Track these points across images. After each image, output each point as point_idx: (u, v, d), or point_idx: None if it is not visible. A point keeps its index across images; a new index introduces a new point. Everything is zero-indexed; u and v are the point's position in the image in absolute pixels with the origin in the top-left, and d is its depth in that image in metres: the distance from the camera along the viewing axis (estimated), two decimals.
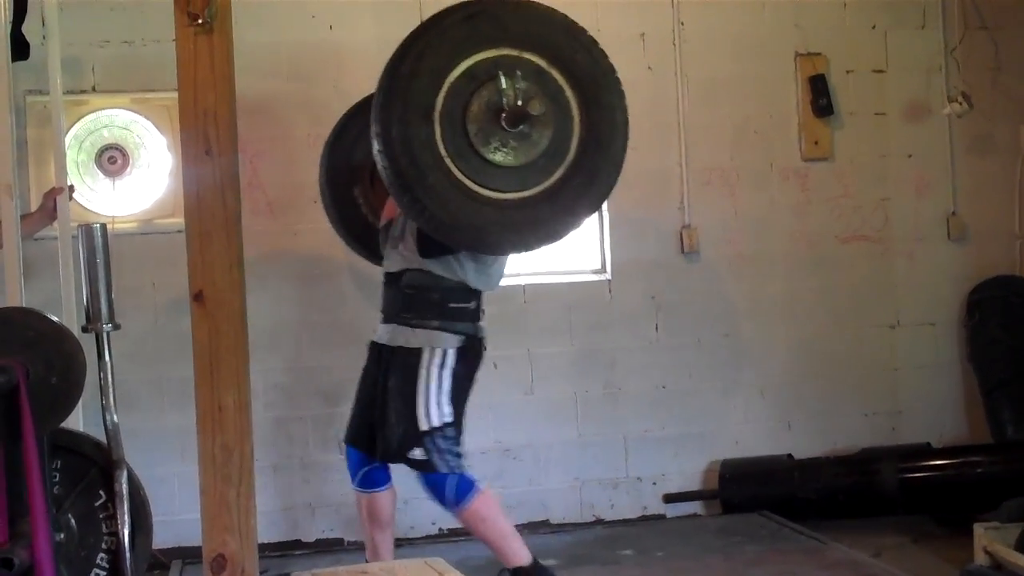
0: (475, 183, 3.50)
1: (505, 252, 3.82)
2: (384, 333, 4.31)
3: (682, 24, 6.00)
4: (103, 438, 3.17)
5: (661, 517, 6.00)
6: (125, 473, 3.06)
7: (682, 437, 6.03)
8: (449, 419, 4.14)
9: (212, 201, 3.05)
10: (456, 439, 4.18)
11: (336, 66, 5.73)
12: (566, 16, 3.77)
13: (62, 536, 3.02)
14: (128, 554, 3.07)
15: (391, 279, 4.30)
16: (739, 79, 6.06)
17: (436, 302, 4.12)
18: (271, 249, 5.62)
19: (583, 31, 3.77)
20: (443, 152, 3.48)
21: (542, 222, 3.57)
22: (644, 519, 5.99)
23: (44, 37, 4.74)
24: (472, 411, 5.73)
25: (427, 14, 5.59)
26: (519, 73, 3.57)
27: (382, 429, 4.20)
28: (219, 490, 2.99)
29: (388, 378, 4.22)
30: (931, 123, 6.26)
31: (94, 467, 3.09)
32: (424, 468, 4.13)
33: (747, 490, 5.94)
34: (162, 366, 5.42)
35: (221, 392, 3.00)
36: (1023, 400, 6.03)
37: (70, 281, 4.40)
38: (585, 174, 3.61)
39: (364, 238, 4.83)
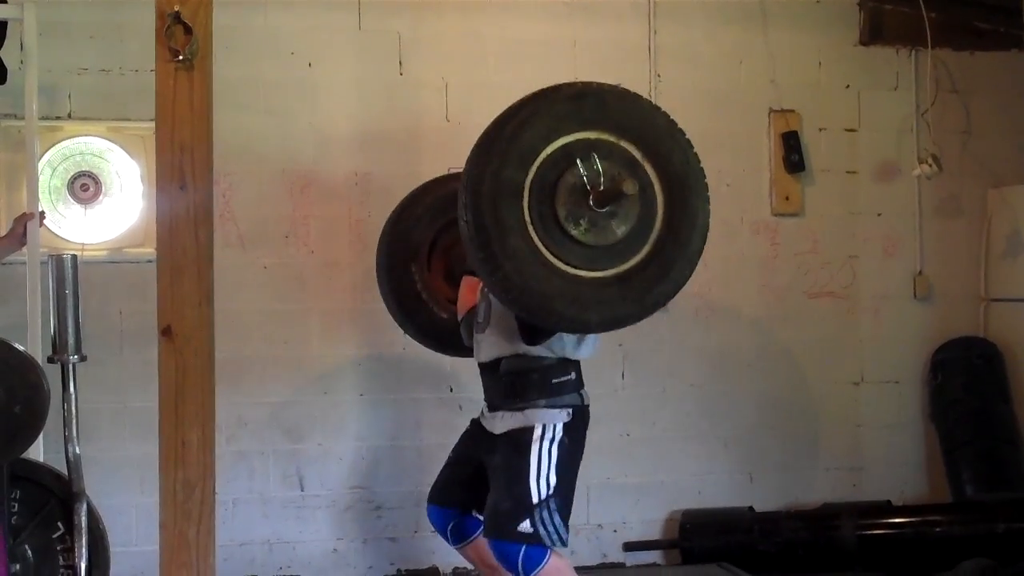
0: (552, 253, 3.53)
1: (566, 326, 3.80)
2: (493, 422, 4.24)
3: (658, 76, 6.05)
4: (64, 469, 3.15)
5: (620, 566, 5.99)
6: (85, 506, 3.04)
7: (644, 486, 6.03)
8: (553, 491, 4.03)
9: (185, 236, 3.06)
10: (559, 510, 4.06)
11: (312, 103, 5.74)
12: (668, 115, 3.81)
13: (18, 567, 3.00)
14: None
15: (487, 368, 4.27)
16: (713, 132, 6.06)
17: (537, 382, 4.10)
18: (240, 282, 5.60)
19: (682, 132, 3.81)
20: (527, 218, 3.50)
21: (607, 304, 3.59)
22: (604, 567, 5.97)
23: (22, 62, 4.74)
24: (436, 452, 5.79)
25: (406, 58, 5.75)
26: (614, 158, 3.62)
27: (491, 506, 4.13)
28: (179, 527, 2.98)
29: (495, 457, 4.17)
30: (901, 183, 6.32)
31: (53, 499, 3.07)
32: (532, 541, 3.99)
33: (707, 541, 5.94)
34: (125, 395, 5.40)
35: (185, 428, 2.99)
36: (983, 461, 6.08)
37: (37, 308, 4.38)
38: (658, 267, 3.64)
39: (425, 326, 4.86)
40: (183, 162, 3.06)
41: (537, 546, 3.97)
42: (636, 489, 6.02)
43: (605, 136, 3.62)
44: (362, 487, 5.75)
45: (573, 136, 3.58)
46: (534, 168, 3.51)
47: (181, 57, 3.04)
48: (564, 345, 4.11)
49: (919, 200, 6.36)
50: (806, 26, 6.26)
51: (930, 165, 5.98)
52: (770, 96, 6.21)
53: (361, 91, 5.79)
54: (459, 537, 4.41)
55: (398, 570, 5.76)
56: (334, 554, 5.73)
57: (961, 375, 6.23)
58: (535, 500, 4.00)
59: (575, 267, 3.55)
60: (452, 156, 5.27)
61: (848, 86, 6.31)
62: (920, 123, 6.29)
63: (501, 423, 4.18)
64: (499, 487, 4.13)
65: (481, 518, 4.28)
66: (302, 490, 5.71)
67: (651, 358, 6.06)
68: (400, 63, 5.80)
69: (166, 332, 3.02)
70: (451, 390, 5.78)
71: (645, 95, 5.88)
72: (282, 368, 5.72)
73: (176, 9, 3.05)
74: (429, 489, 4.47)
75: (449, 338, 4.67)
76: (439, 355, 5.65)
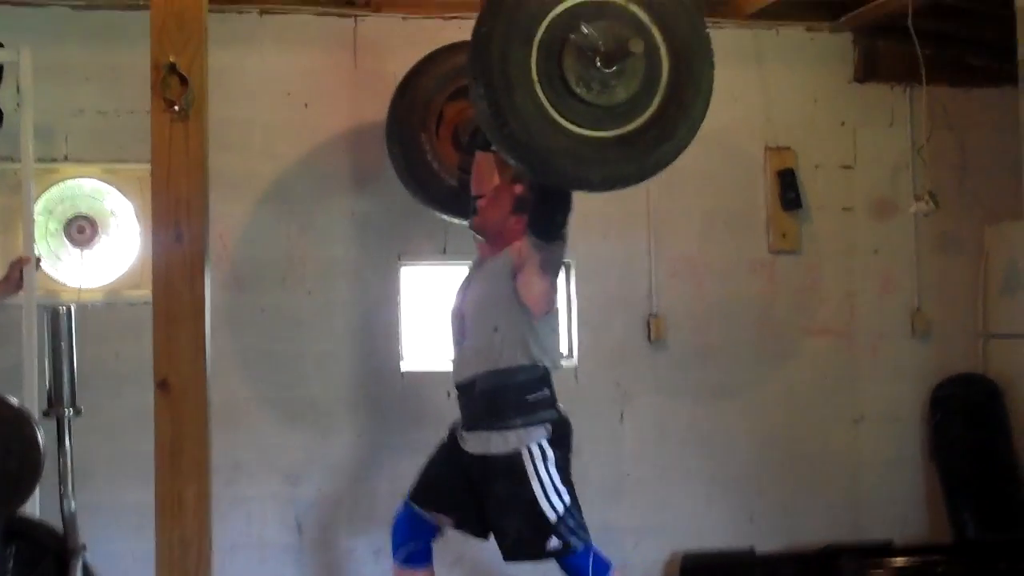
0: (556, 111, 3.55)
1: (566, 181, 3.80)
2: (472, 442, 4.36)
3: None
4: (60, 524, 3.12)
5: None
6: (81, 562, 3.00)
7: (643, 528, 5.98)
8: (568, 502, 4.21)
9: (180, 287, 3.05)
10: (578, 515, 4.26)
11: (309, 144, 5.74)
12: None
13: None
14: None
15: (464, 389, 4.41)
16: (709, 170, 6.09)
17: (513, 401, 4.24)
18: (237, 323, 5.59)
19: None
20: (534, 76, 3.53)
21: (610, 163, 3.62)
22: None
23: (18, 104, 4.73)
24: None
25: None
26: (622, 20, 3.62)
27: (506, 534, 4.28)
28: None
29: (494, 486, 4.29)
30: (897, 220, 6.31)
31: (49, 555, 3.03)
32: (564, 554, 4.21)
33: None
34: (122, 440, 5.32)
35: (181, 483, 2.97)
36: (984, 499, 6.05)
37: (33, 354, 4.37)
38: (660, 130, 3.65)
39: (435, 192, 5.16)
40: (179, 212, 3.06)
41: (598, 560, 4.24)
42: (635, 531, 5.97)
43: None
44: (361, 531, 5.70)
45: None
46: (542, 28, 3.52)
47: (177, 108, 3.04)
48: (537, 336, 4.26)
49: (916, 237, 6.35)
50: (801, 63, 6.28)
51: (927, 202, 5.95)
52: (765, 133, 6.21)
53: (357, 131, 5.78)
54: (419, 559, 4.50)
55: None
56: None
57: (961, 412, 6.20)
58: (553, 520, 4.16)
59: (579, 126, 3.57)
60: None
61: (843, 123, 6.32)
62: (916, 160, 6.27)
63: (481, 443, 4.30)
64: (514, 517, 4.25)
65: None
66: (300, 534, 5.67)
67: (649, 397, 6.03)
68: None
69: (162, 385, 3.00)
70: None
71: None
72: (279, 410, 5.68)
73: (172, 60, 3.04)
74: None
75: (458, 203, 4.82)
76: (438, 397, 5.67)
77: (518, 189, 4.42)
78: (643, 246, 6.05)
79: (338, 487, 5.71)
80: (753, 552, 5.97)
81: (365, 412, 5.75)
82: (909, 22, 5.48)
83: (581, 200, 5.71)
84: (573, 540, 4.18)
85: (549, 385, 4.33)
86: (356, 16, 5.80)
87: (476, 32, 3.59)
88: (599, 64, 3.55)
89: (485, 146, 4.43)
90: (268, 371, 5.67)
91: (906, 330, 6.33)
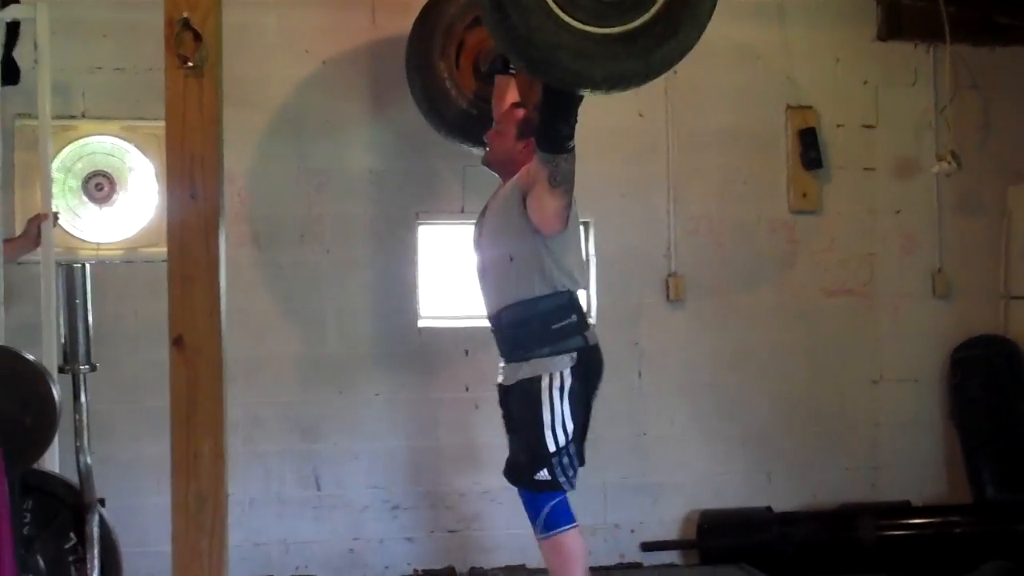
0: (558, 5, 3.47)
1: (568, 79, 3.75)
2: (504, 374, 4.41)
3: (674, 72, 5.92)
4: (76, 478, 3.15)
5: (638, 565, 5.96)
6: (97, 516, 3.03)
7: (661, 485, 5.99)
8: (571, 436, 4.22)
9: (195, 245, 3.03)
10: (578, 454, 4.27)
11: (327, 101, 5.72)
12: None
13: None
14: None
15: (493, 321, 4.44)
16: (729, 129, 6.06)
17: (538, 331, 4.23)
18: (254, 282, 5.60)
19: None
20: None
21: (613, 59, 3.52)
22: (621, 567, 5.94)
23: (35, 62, 4.71)
24: (452, 451, 5.78)
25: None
26: None
27: (514, 456, 4.35)
28: (191, 539, 2.96)
29: (512, 410, 4.37)
30: (919, 180, 6.26)
31: (65, 509, 3.06)
32: (549, 488, 4.20)
33: (725, 541, 5.91)
34: (141, 395, 5.37)
35: (197, 439, 2.97)
36: (1004, 460, 6.02)
37: (51, 311, 4.36)
38: (666, 26, 3.53)
39: (455, 120, 5.14)
40: (193, 170, 3.03)
41: (562, 509, 4.19)
42: (653, 489, 5.99)
43: None
44: (378, 487, 5.74)
45: None
46: None
47: (191, 64, 3.02)
48: (554, 257, 4.22)
49: (938, 197, 6.30)
50: (823, 22, 6.21)
51: (949, 162, 5.91)
52: (787, 93, 6.16)
53: (375, 89, 5.76)
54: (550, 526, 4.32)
55: (415, 570, 5.74)
56: (350, 554, 5.71)
57: (981, 374, 6.17)
58: (552, 449, 4.17)
59: (582, 21, 3.49)
60: (467, 154, 5.27)
61: (866, 82, 6.26)
62: (939, 119, 6.22)
63: (511, 373, 4.33)
64: (517, 439, 4.34)
65: None
66: (318, 490, 5.70)
67: (668, 357, 6.02)
68: None
69: (177, 342, 3.00)
70: (467, 389, 5.75)
71: (660, 91, 5.94)
72: (297, 368, 5.71)
73: (185, 15, 3.02)
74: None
75: (476, 130, 4.82)
76: (455, 355, 5.67)
77: (520, 113, 4.40)
78: (662, 205, 6.02)
79: (356, 443, 5.73)
80: (770, 511, 5.98)
81: (382, 368, 5.76)
82: None
83: (600, 159, 5.78)
84: (562, 478, 4.18)
85: (576, 310, 4.30)
86: None
87: None
88: None
89: (504, 69, 4.45)
90: (286, 328, 5.69)
91: (927, 291, 6.30)
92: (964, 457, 6.12)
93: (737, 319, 6.10)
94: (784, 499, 6.05)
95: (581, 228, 4.56)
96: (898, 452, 6.23)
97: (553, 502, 4.20)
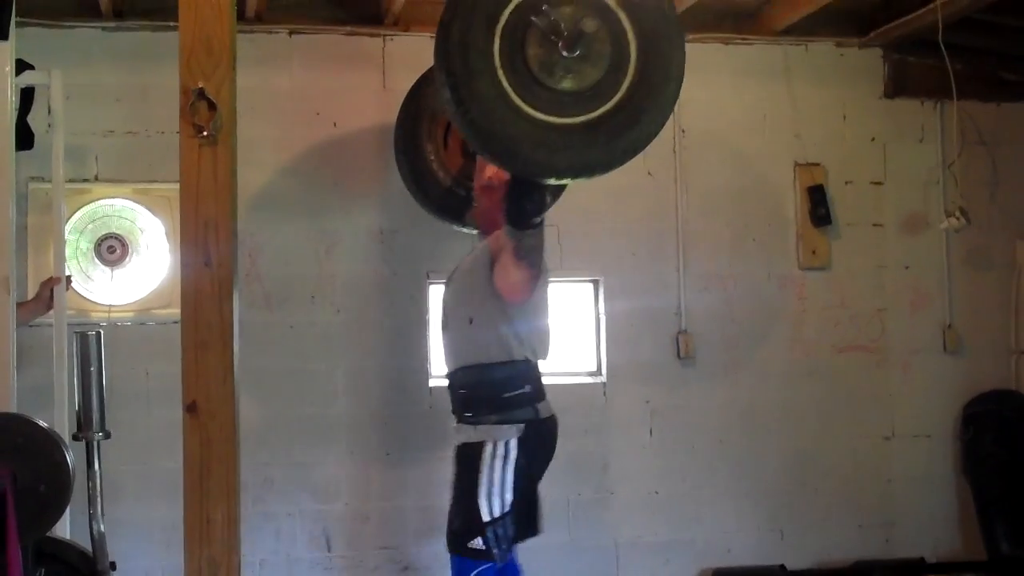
0: (520, 98, 3.51)
1: (531, 169, 3.74)
2: (456, 435, 4.38)
3: (683, 131, 6.05)
4: (89, 544, 3.15)
5: None
6: None
7: (674, 543, 5.97)
8: (507, 509, 4.14)
9: (209, 311, 3.06)
10: (517, 525, 4.19)
11: (337, 162, 5.76)
12: None
13: None
14: None
15: (449, 379, 4.44)
16: (738, 187, 6.10)
17: (488, 397, 4.21)
18: (266, 341, 5.61)
19: None
20: (497, 63, 3.50)
21: (575, 149, 3.56)
22: None
23: (49, 126, 4.76)
24: None
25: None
26: (584, 4, 3.58)
27: (449, 521, 4.29)
28: None
29: (456, 472, 4.33)
30: (928, 235, 6.29)
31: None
32: (481, 557, 4.13)
33: None
34: (151, 456, 5.36)
35: (210, 505, 2.98)
36: (1018, 516, 6.00)
37: (63, 375, 4.38)
38: (629, 115, 3.58)
39: (439, 199, 5.16)
40: (207, 237, 3.07)
41: (488, 564, 4.10)
42: (665, 547, 5.96)
43: None
44: (389, 547, 5.71)
45: None
46: (505, 15, 3.49)
47: (205, 133, 3.05)
48: (513, 328, 4.19)
49: (947, 252, 6.32)
50: (830, 79, 6.26)
51: (958, 218, 5.92)
52: (795, 150, 6.20)
53: (385, 149, 5.80)
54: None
55: None
56: None
57: (993, 429, 6.16)
58: (486, 519, 4.10)
59: (544, 112, 3.52)
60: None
61: (873, 139, 6.29)
62: (947, 175, 6.25)
63: (457, 435, 4.32)
64: (453, 501, 4.28)
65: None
66: (329, 551, 5.67)
67: (679, 415, 6.01)
68: None
69: (191, 408, 3.01)
70: None
71: (669, 150, 5.98)
72: (308, 428, 5.69)
73: (200, 85, 3.06)
74: None
75: (465, 211, 4.86)
76: None
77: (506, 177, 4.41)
78: (673, 263, 6.03)
79: (367, 503, 5.71)
80: (784, 569, 5.95)
81: (393, 429, 5.75)
82: (939, 37, 5.45)
83: (609, 218, 5.81)
84: (495, 549, 4.12)
85: (531, 380, 4.27)
86: (385, 35, 5.83)
87: (440, 21, 3.57)
88: (562, 49, 3.51)
89: None
90: (298, 388, 5.68)
91: (938, 346, 6.30)
92: (978, 513, 6.09)
93: (748, 376, 6.10)
94: (797, 557, 6.02)
95: (550, 296, 4.49)
96: (911, 508, 6.20)
97: (479, 569, 4.14)
